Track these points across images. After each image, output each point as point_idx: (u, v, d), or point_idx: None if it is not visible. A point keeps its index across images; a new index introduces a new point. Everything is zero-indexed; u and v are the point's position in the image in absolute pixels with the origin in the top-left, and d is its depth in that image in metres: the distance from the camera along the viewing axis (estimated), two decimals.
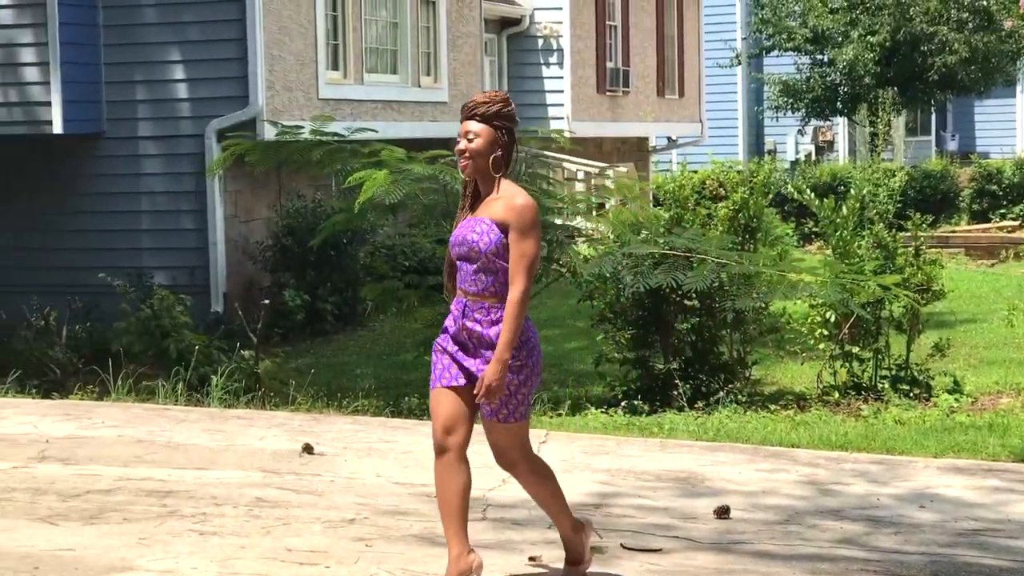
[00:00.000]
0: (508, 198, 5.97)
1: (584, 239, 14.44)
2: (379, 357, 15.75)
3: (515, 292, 5.88)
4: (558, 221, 13.35)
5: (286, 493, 7.81)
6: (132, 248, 17.00)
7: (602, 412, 11.50)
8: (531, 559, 6.62)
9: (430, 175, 11.88)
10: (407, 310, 13.69)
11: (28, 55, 16.52)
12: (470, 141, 5.98)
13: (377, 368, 14.99)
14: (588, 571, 6.34)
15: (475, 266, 5.97)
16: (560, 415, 11.47)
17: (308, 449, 8.83)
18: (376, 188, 11.01)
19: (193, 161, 16.81)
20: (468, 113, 6.02)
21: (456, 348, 6.01)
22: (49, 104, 16.40)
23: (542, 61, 25.97)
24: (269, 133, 15.64)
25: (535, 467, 6.24)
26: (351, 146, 12.39)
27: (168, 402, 11.06)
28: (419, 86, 20.89)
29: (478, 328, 5.96)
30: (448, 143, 21.14)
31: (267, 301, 14.18)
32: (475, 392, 5.87)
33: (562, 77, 25.83)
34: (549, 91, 25.86)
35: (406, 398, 12.51)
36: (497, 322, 5.94)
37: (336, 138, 12.52)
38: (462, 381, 5.98)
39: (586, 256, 12.77)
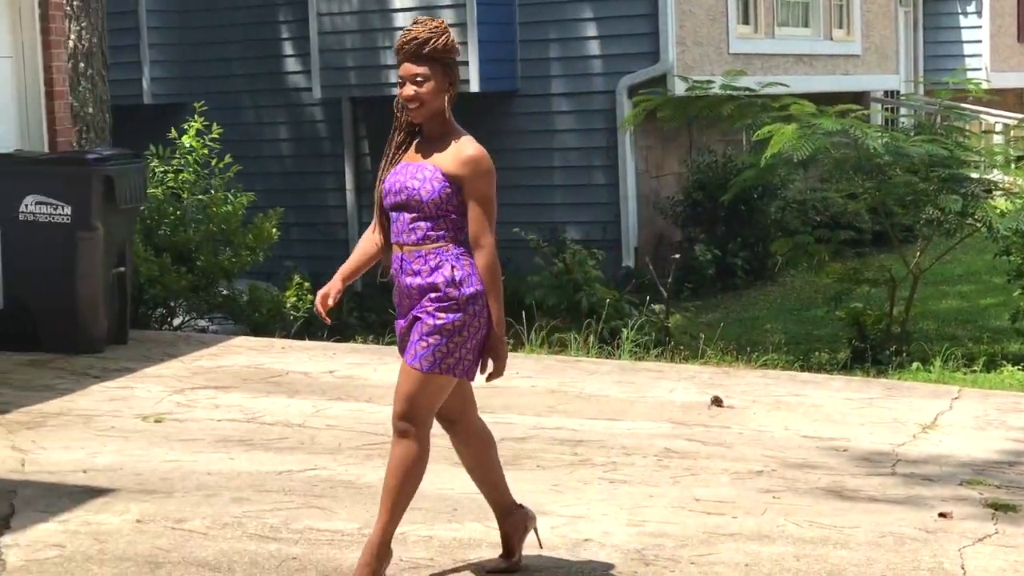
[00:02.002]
0: (457, 147, 5.39)
1: (1001, 193, 14.05)
2: (789, 312, 15.69)
3: (486, 257, 5.33)
4: (974, 175, 13.04)
5: (694, 444, 7.91)
6: (546, 203, 17.37)
7: (1019, 369, 11.20)
8: (941, 515, 6.53)
9: (840, 129, 11.78)
10: (817, 265, 13.62)
11: (447, 16, 16.98)
12: (419, 85, 5.33)
13: (787, 323, 14.94)
14: None
15: (413, 215, 5.36)
16: (974, 372, 11.22)
17: (717, 401, 8.91)
18: (784, 143, 10.98)
19: (605, 117, 17.04)
20: (412, 51, 5.33)
21: (400, 316, 5.47)
22: (466, 64, 16.87)
23: (959, 11, 25.27)
24: (679, 88, 15.72)
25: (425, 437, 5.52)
26: (761, 100, 12.38)
27: (580, 354, 11.30)
28: (831, 39, 20.62)
29: (417, 280, 5.34)
30: (861, 97, 20.77)
31: (677, 256, 14.30)
32: (485, 375, 5.41)
33: (980, 27, 25.09)
34: (966, 41, 25.16)
35: (816, 353, 12.46)
36: (437, 268, 5.31)
37: (746, 93, 12.51)
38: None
39: (1003, 210, 12.43)
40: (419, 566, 5.78)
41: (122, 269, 10.85)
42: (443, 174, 5.34)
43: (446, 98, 5.38)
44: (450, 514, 6.56)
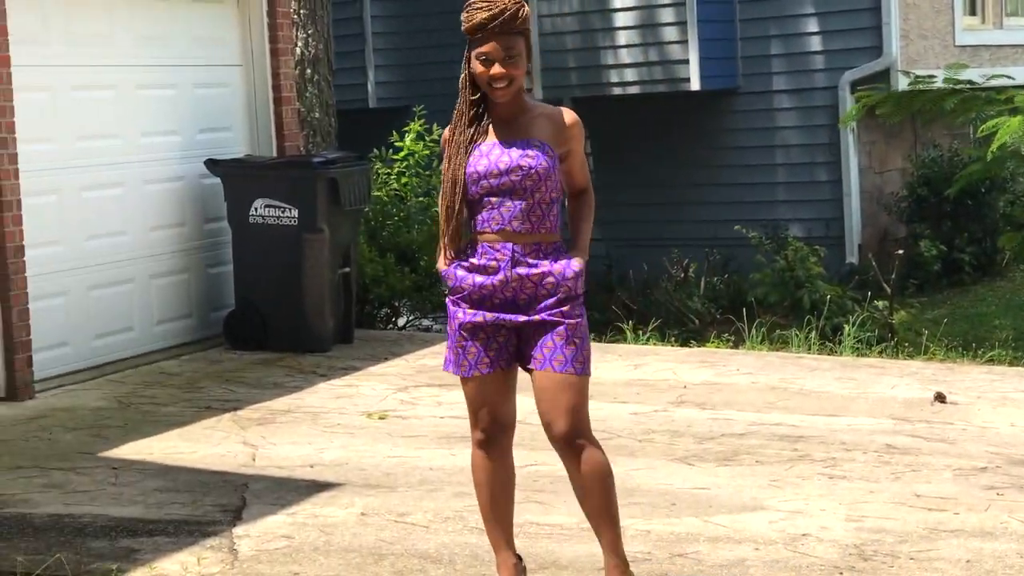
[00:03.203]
0: (551, 116, 5.08)
1: None
2: (1019, 308, 15.36)
3: (591, 195, 5.19)
4: None
5: (916, 440, 7.82)
6: (767, 201, 17.26)
7: None
8: None
9: None
10: None
11: (667, 15, 17.02)
12: (513, 61, 4.95)
13: (1016, 319, 14.64)
14: None
15: (526, 201, 4.99)
16: None
17: (940, 398, 8.79)
18: (1009, 135, 10.77)
19: (827, 113, 16.88)
20: (504, 26, 4.90)
21: (493, 312, 5.04)
22: (687, 62, 16.85)
23: None
24: (901, 84, 15.50)
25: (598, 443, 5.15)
26: (986, 94, 12.13)
27: (801, 351, 11.23)
28: None
29: (535, 271, 4.99)
30: None
31: (901, 251, 14.11)
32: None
33: None
34: None
35: None
36: (556, 261, 5.00)
37: (969, 86, 12.28)
38: (504, 364, 5.10)
39: None
40: (636, 560, 5.82)
41: (347, 270, 11.10)
42: (551, 148, 5.05)
43: (527, 71, 5.05)
44: (668, 509, 6.60)
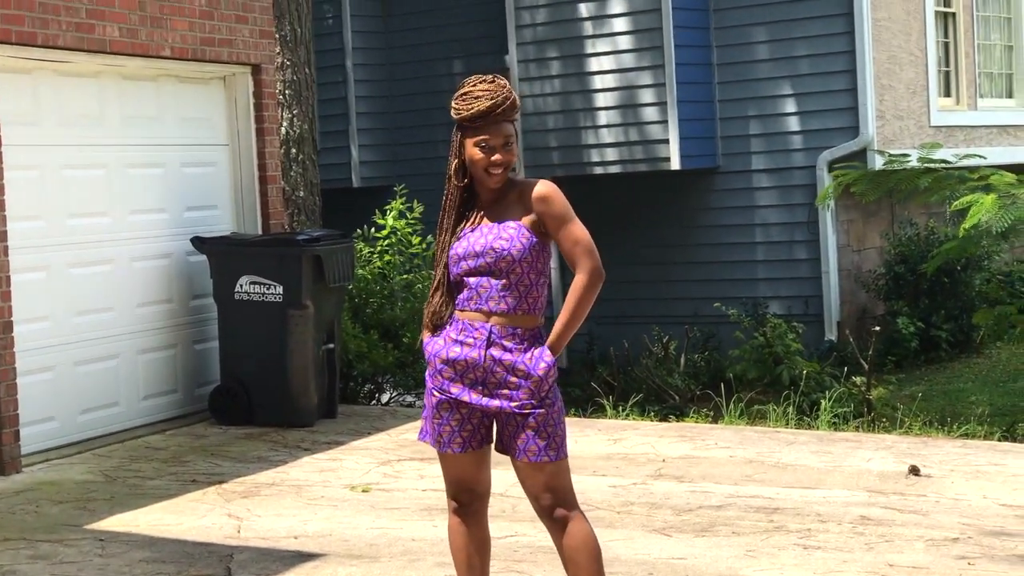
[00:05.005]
0: (521, 192, 5.12)
1: None
2: (995, 384, 15.52)
3: (581, 277, 5.05)
4: None
5: (890, 512, 7.96)
6: (747, 279, 17.45)
7: None
8: None
9: None
10: (1020, 335, 13.48)
11: (647, 96, 17.26)
12: (509, 148, 5.09)
13: (992, 395, 14.79)
14: None
15: (503, 281, 5.08)
16: None
17: (914, 470, 8.93)
18: (982, 214, 10.97)
19: (805, 192, 17.10)
20: (505, 114, 5.06)
21: (465, 390, 5.15)
22: (667, 142, 17.08)
23: None
24: (878, 163, 15.75)
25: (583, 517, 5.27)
26: (959, 173, 12.35)
27: (779, 425, 11.38)
28: None
29: (509, 357, 5.09)
30: None
31: (877, 328, 14.29)
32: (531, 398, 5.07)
33: None
34: None
35: (1021, 424, 12.33)
36: (530, 349, 5.09)
37: (943, 165, 12.51)
38: (476, 445, 5.24)
39: None
40: None
41: (331, 346, 11.24)
42: (527, 228, 5.12)
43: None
44: None
